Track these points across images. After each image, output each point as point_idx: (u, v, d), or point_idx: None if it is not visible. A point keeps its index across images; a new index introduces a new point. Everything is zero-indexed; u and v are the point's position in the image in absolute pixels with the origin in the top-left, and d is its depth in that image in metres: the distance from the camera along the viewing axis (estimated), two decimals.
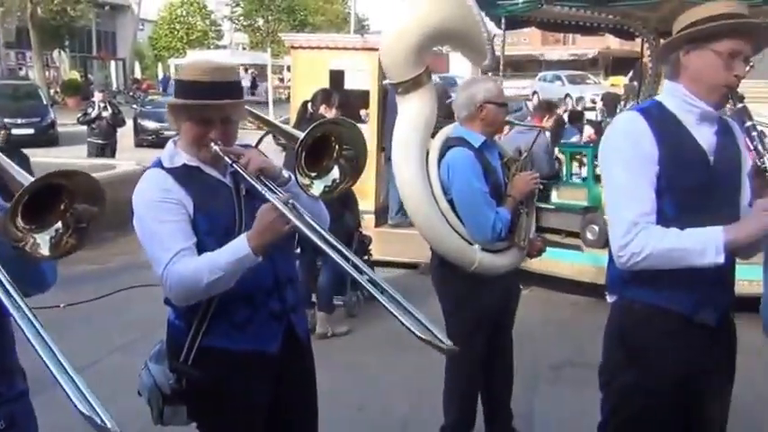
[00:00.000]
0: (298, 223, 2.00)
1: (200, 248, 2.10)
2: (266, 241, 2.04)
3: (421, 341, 1.81)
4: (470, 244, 3.28)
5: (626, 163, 2.18)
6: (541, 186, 3.48)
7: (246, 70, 34.83)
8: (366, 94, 8.16)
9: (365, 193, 8.05)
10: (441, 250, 3.35)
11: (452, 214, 3.29)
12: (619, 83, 23.44)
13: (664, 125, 2.18)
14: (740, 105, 2.13)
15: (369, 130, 8.19)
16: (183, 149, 2.21)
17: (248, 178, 2.11)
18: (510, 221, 3.25)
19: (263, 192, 2.06)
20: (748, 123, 2.08)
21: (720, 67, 2.11)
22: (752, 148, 2.08)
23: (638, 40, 8.43)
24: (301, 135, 2.11)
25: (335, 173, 2.19)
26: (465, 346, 3.34)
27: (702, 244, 2.05)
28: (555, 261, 6.20)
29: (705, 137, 2.21)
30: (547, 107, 7.03)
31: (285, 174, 2.21)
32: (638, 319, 2.26)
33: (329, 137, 2.16)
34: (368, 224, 7.76)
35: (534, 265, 6.42)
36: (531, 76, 29.91)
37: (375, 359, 4.71)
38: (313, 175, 2.16)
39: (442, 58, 28.45)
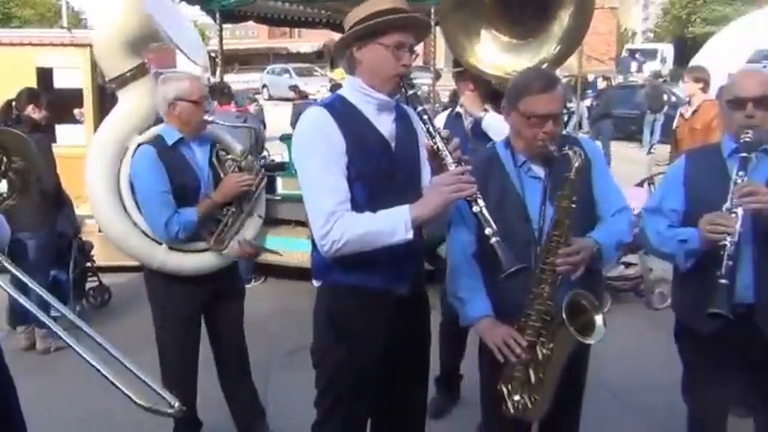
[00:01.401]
0: None
1: None
2: None
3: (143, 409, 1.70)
4: (159, 243, 3.28)
5: (318, 156, 2.28)
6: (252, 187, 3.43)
7: None
8: (79, 92, 7.64)
9: (86, 196, 7.55)
10: (123, 248, 3.36)
11: (136, 212, 3.31)
12: (343, 75, 24.36)
13: (347, 117, 2.32)
14: (411, 92, 2.31)
15: (85, 131, 7.73)
16: None
17: None
18: (195, 223, 3.24)
19: None
20: (419, 109, 2.27)
21: (390, 59, 2.29)
22: (425, 131, 2.27)
23: None
24: None
25: (1, 187, 2.02)
26: (172, 341, 3.39)
27: (392, 224, 2.21)
28: (286, 251, 6.32)
29: (385, 125, 2.38)
30: (226, 92, 7.07)
31: None
32: (342, 299, 2.40)
33: None
34: (90, 229, 7.28)
35: (267, 257, 6.53)
36: (260, 70, 30.04)
37: (104, 366, 4.48)
38: None
39: (168, 53, 27.48)
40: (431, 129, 2.24)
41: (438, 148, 2.22)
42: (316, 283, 2.52)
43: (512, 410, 2.40)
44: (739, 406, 3.20)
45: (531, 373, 2.37)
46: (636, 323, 5.50)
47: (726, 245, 2.39)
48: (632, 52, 33.50)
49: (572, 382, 2.53)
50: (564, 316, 2.27)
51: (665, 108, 16.60)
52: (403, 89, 2.33)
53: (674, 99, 16.66)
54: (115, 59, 3.51)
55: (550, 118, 2.39)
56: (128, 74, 3.52)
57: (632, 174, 6.39)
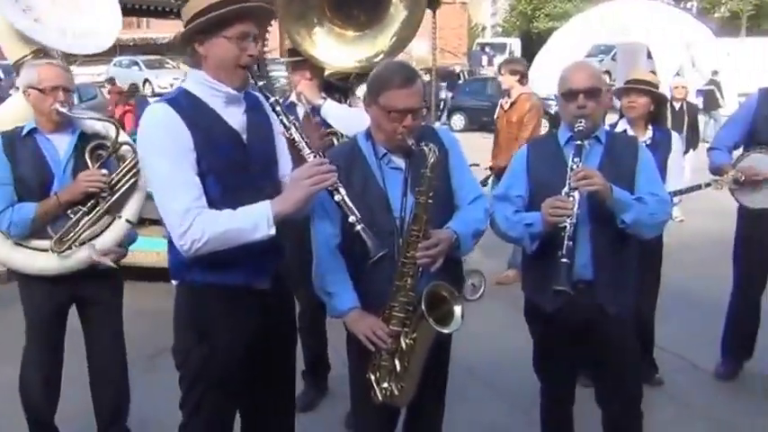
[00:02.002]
0: None
1: None
2: None
3: None
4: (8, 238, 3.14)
5: (165, 154, 2.19)
6: (102, 186, 3.14)
7: None
8: None
9: None
10: None
11: None
12: None
13: (193, 112, 2.25)
14: (261, 83, 2.28)
15: None
16: None
17: None
18: (30, 220, 3.06)
19: None
20: (272, 100, 2.26)
21: (235, 51, 2.24)
22: (279, 122, 2.26)
23: None
24: None
25: None
26: (31, 344, 3.26)
27: (254, 221, 2.18)
28: (141, 251, 6.10)
29: (235, 118, 2.33)
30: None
31: None
32: (202, 297, 2.36)
33: None
34: None
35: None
36: (106, 62, 28.55)
37: None
38: None
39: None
40: (284, 120, 2.23)
41: (294, 139, 2.22)
42: (174, 283, 2.46)
43: (380, 397, 2.47)
44: (585, 376, 3.47)
45: (397, 361, 2.44)
46: (493, 304, 5.77)
47: (566, 226, 2.58)
48: (482, 46, 34.89)
49: (437, 367, 2.64)
50: (423, 308, 2.35)
51: None
52: (252, 80, 2.29)
53: None
54: (14, 44, 3.56)
55: (410, 112, 2.43)
56: (28, 57, 3.52)
57: (485, 163, 6.63)
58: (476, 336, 4.50)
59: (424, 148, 2.39)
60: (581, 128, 2.71)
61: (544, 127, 17.08)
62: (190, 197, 2.18)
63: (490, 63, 30.71)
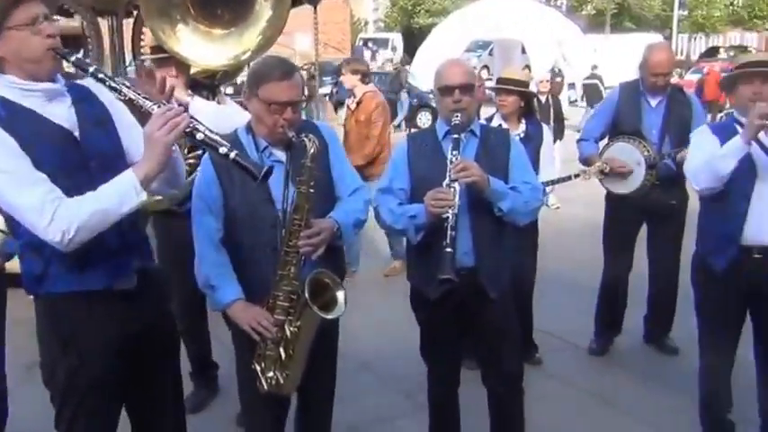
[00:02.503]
0: None
1: None
2: None
3: None
4: None
5: None
6: None
7: None
8: None
9: None
10: None
11: None
12: None
13: (12, 119, 2.10)
14: (73, 59, 2.15)
15: None
16: None
17: None
18: None
19: None
20: (91, 71, 2.13)
21: (31, 38, 2.09)
22: (108, 90, 2.15)
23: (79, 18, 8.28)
24: None
25: None
26: None
27: (119, 196, 2.09)
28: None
29: (61, 114, 2.19)
30: None
31: None
32: (62, 308, 2.23)
33: None
34: None
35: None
36: None
37: None
38: None
39: None
40: (112, 84, 2.13)
41: (131, 98, 2.12)
42: (31, 296, 2.29)
43: (266, 387, 2.49)
44: (470, 359, 3.60)
45: (282, 350, 2.46)
46: (380, 295, 5.88)
47: (448, 216, 2.68)
48: (365, 41, 35.18)
49: (324, 355, 2.68)
50: (306, 296, 2.39)
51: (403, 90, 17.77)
52: (63, 59, 2.15)
53: (406, 84, 17.95)
54: None
55: (290, 105, 2.46)
56: None
57: None
58: (367, 326, 4.59)
59: (305, 139, 2.42)
60: (457, 122, 2.83)
61: (428, 120, 17.45)
62: (41, 190, 2.04)
63: (373, 58, 31.05)
